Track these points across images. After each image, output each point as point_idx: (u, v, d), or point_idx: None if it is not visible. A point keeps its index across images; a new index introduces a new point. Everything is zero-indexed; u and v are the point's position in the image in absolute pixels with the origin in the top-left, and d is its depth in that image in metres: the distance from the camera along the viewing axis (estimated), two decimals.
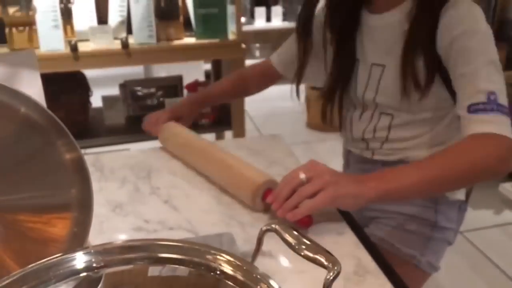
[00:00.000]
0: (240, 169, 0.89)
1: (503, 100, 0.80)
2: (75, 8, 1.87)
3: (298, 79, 1.07)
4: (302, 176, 0.76)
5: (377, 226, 1.05)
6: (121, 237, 0.79)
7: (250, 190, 0.83)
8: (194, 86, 2.14)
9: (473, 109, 0.79)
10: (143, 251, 0.41)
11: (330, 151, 2.92)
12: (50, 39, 1.77)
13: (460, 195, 1.04)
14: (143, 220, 0.83)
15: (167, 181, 0.97)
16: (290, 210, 0.74)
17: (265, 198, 0.82)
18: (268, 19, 4.15)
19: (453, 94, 0.89)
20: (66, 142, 0.52)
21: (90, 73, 2.14)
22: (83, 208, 0.55)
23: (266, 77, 1.22)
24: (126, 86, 2.16)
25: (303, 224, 0.77)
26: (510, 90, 2.52)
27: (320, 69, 1.08)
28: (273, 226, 0.50)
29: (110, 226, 0.81)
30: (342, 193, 0.74)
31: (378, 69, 0.96)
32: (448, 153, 0.79)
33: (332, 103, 1.06)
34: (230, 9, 1.98)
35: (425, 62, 0.89)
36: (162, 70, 3.31)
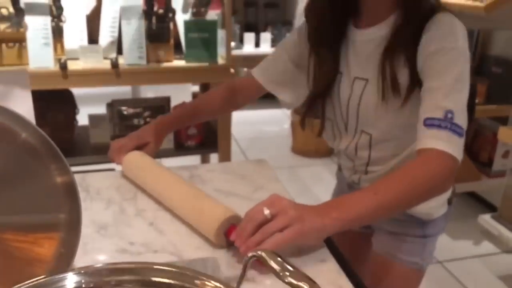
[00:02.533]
0: (203, 204, 0.87)
1: (459, 120, 0.82)
2: (66, 27, 1.89)
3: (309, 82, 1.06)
4: (267, 212, 0.75)
5: (379, 239, 1.10)
6: (105, 259, 0.79)
7: (213, 227, 0.81)
8: None
9: (428, 123, 0.82)
10: (134, 274, 0.41)
11: (315, 177, 2.94)
12: (40, 56, 1.78)
13: (443, 210, 1.07)
14: (127, 242, 0.83)
15: (153, 203, 0.97)
16: (254, 247, 0.72)
17: (229, 234, 0.79)
18: (257, 44, 4.22)
19: None
20: (60, 166, 0.53)
21: (77, 90, 2.14)
22: (71, 229, 0.56)
23: (247, 93, 1.19)
24: (113, 105, 2.16)
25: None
26: (491, 123, 2.58)
27: (302, 83, 1.08)
28: (259, 253, 0.51)
29: (94, 247, 0.81)
30: (307, 228, 0.74)
31: (361, 82, 0.97)
32: (402, 175, 0.82)
33: (313, 110, 1.06)
34: (220, 33, 2.02)
35: (408, 71, 0.90)
36: (149, 91, 3.32)
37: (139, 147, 1.09)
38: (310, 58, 1.04)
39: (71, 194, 0.55)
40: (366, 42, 0.97)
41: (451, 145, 0.80)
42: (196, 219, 0.86)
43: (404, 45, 0.90)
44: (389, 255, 1.09)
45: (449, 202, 1.09)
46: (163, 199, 0.95)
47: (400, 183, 0.80)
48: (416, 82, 0.90)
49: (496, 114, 2.28)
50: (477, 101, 2.26)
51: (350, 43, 1.00)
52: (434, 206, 1.05)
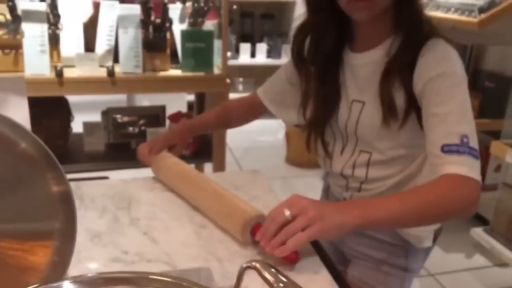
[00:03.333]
0: (231, 204, 0.91)
1: (473, 143, 0.83)
2: (63, 34, 1.89)
3: (304, 112, 1.08)
4: (287, 213, 0.77)
5: (357, 268, 1.07)
6: (99, 268, 0.79)
7: (240, 225, 0.85)
8: (177, 117, 2.16)
9: (446, 149, 0.83)
10: (130, 283, 0.41)
11: (308, 187, 2.95)
12: (35, 63, 1.78)
13: (428, 242, 1.07)
14: (121, 251, 0.83)
15: (147, 212, 0.98)
16: (278, 247, 0.76)
17: (254, 233, 0.84)
18: (253, 55, 4.24)
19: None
20: (56, 175, 0.53)
21: (72, 98, 2.14)
22: (66, 238, 0.56)
23: (252, 111, 1.25)
24: (108, 113, 2.16)
25: (291, 260, 0.79)
26: (484, 137, 2.60)
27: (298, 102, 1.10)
28: (253, 264, 0.52)
29: (87, 256, 0.81)
30: (327, 226, 0.76)
31: (359, 105, 0.99)
32: (427, 191, 0.83)
33: (317, 133, 1.08)
34: (217, 43, 2.03)
35: (405, 96, 0.92)
36: (144, 99, 3.33)
37: (166, 149, 1.16)
38: (308, 82, 1.05)
39: (66, 203, 0.55)
40: (363, 65, 0.98)
41: (472, 169, 0.81)
42: (224, 217, 0.91)
43: (400, 70, 0.92)
44: (366, 286, 1.05)
45: (435, 238, 1.08)
46: (192, 198, 1.00)
47: (426, 196, 0.81)
48: (412, 106, 0.92)
49: (489, 128, 2.30)
50: None
51: (346, 66, 1.02)
52: (425, 230, 1.04)
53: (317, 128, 1.07)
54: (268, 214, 0.81)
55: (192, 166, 2.42)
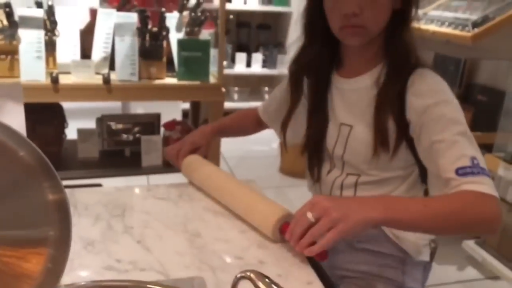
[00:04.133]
0: (260, 203, 0.97)
1: (483, 164, 0.85)
2: (59, 41, 1.89)
3: (283, 129, 1.12)
4: (310, 215, 0.79)
5: (348, 286, 1.05)
6: (92, 276, 0.79)
7: (270, 224, 0.90)
8: (172, 125, 2.16)
9: (461, 172, 0.84)
10: None
11: (302, 197, 2.94)
12: (31, 69, 1.78)
13: (425, 256, 1.07)
14: (114, 259, 0.83)
15: (141, 220, 0.97)
16: (306, 247, 0.80)
17: (282, 231, 0.89)
18: (248, 64, 4.26)
19: (416, 156, 0.95)
20: (53, 184, 0.54)
21: (67, 104, 2.14)
22: (60, 245, 0.56)
23: (258, 124, 1.30)
24: (103, 120, 2.16)
25: (321, 258, 0.82)
26: None
27: (300, 122, 1.12)
28: (248, 273, 0.52)
29: (81, 264, 0.80)
30: (352, 225, 0.77)
31: (347, 128, 1.01)
32: (452, 198, 0.84)
33: (318, 158, 1.10)
34: (213, 52, 2.04)
35: (395, 125, 0.94)
36: (139, 107, 3.33)
37: (192, 152, 1.20)
38: (295, 104, 1.08)
39: (62, 211, 0.55)
40: (351, 91, 1.01)
41: (490, 187, 0.83)
42: (254, 216, 0.96)
43: (391, 102, 0.94)
44: None
45: (432, 255, 1.08)
46: (223, 197, 1.05)
47: (450, 204, 0.82)
48: (402, 134, 0.94)
49: (481, 141, 2.30)
50: None
51: (335, 89, 1.04)
52: (421, 238, 1.04)
53: (313, 147, 1.09)
54: (293, 217, 0.84)
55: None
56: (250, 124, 1.31)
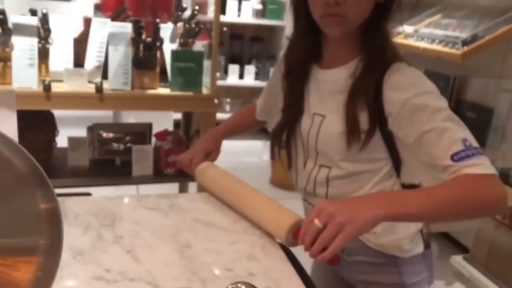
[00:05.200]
0: (275, 209, 1.02)
1: (474, 143, 0.86)
2: (53, 49, 1.89)
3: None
4: (317, 222, 0.81)
5: None
6: (81, 285, 0.78)
7: (284, 228, 0.94)
8: (163, 135, 2.16)
9: (457, 158, 0.85)
10: None
11: (293, 209, 2.95)
12: (23, 76, 1.77)
13: (419, 248, 1.06)
14: (104, 269, 0.83)
15: (131, 230, 0.97)
16: (318, 254, 0.80)
17: (296, 236, 0.92)
18: (241, 76, 4.28)
19: (390, 149, 0.96)
20: (46, 193, 0.53)
21: (58, 112, 2.12)
22: (51, 254, 0.56)
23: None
24: (94, 129, 2.15)
25: (333, 263, 0.84)
26: None
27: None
28: (239, 285, 0.52)
29: (70, 273, 0.80)
30: (358, 227, 0.78)
31: (319, 118, 1.01)
32: (455, 186, 0.84)
33: (279, 143, 1.11)
34: (206, 64, 2.05)
35: (368, 117, 0.94)
36: (130, 116, 3.32)
37: (205, 159, 1.24)
38: (280, 91, 1.10)
39: (54, 220, 0.55)
40: (327, 82, 1.01)
41: (486, 166, 0.84)
42: (269, 221, 1.00)
43: (365, 92, 0.94)
44: None
45: (426, 244, 1.07)
46: (238, 203, 1.09)
47: (453, 190, 0.83)
48: (374, 127, 0.94)
49: None
50: None
51: (312, 80, 1.05)
52: (402, 238, 1.03)
53: (278, 136, 1.10)
54: (302, 224, 0.85)
55: (176, 185, 2.42)
56: (254, 120, 1.33)
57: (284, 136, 1.09)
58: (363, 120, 0.95)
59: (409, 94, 0.90)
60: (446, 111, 0.89)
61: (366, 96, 0.94)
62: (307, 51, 1.04)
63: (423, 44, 2.48)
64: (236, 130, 1.35)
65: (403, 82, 0.92)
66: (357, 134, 0.95)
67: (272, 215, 1.01)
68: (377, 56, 0.95)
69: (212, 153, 1.25)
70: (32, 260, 0.57)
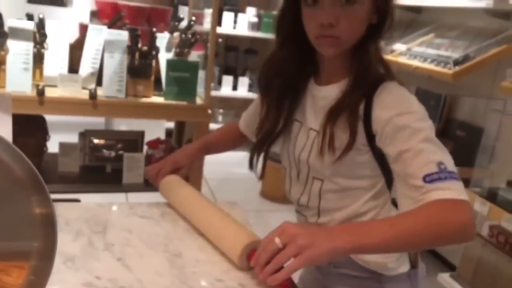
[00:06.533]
0: (229, 229, 0.96)
1: (451, 167, 0.86)
2: (48, 54, 1.89)
3: (257, 136, 1.12)
4: (278, 241, 0.79)
5: None
6: None
7: (238, 251, 0.89)
8: (155, 143, 2.16)
9: (429, 179, 0.84)
10: None
11: (281, 222, 2.95)
12: (17, 80, 1.77)
13: (404, 267, 1.06)
14: (94, 276, 0.82)
15: (122, 238, 0.97)
16: (270, 275, 0.78)
17: (250, 258, 0.87)
18: (235, 87, 4.30)
19: (382, 167, 0.97)
20: (41, 198, 0.54)
21: (50, 117, 2.12)
22: (44, 258, 0.55)
23: (242, 135, 1.29)
24: (86, 135, 2.15)
25: (284, 287, 0.81)
26: None
27: None
28: None
29: (59, 279, 0.79)
30: (317, 254, 0.77)
31: (313, 133, 1.03)
32: (418, 214, 0.83)
33: (259, 154, 1.11)
34: (200, 74, 2.06)
35: (349, 133, 0.95)
36: (123, 123, 3.31)
37: (173, 172, 1.20)
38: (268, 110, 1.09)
39: (48, 225, 0.55)
40: (321, 98, 1.03)
41: (458, 191, 0.83)
42: (222, 242, 0.95)
43: (348, 109, 0.96)
44: None
45: (413, 264, 1.07)
46: (194, 221, 1.05)
47: (416, 218, 0.82)
48: (351, 146, 0.95)
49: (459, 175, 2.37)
50: None
51: (309, 96, 1.06)
52: (387, 256, 1.03)
53: (262, 147, 1.10)
54: (260, 243, 0.83)
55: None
56: (235, 138, 1.31)
57: (265, 147, 1.10)
58: (343, 137, 0.96)
59: (392, 113, 0.91)
60: (426, 133, 0.89)
61: (349, 115, 0.95)
62: (302, 68, 1.05)
63: (415, 63, 2.52)
64: (213, 148, 1.32)
65: (389, 100, 0.93)
66: (331, 146, 0.96)
67: (227, 235, 0.95)
68: (362, 75, 0.96)
69: (183, 169, 1.22)
70: (24, 265, 0.57)
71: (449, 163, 0.86)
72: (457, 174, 0.86)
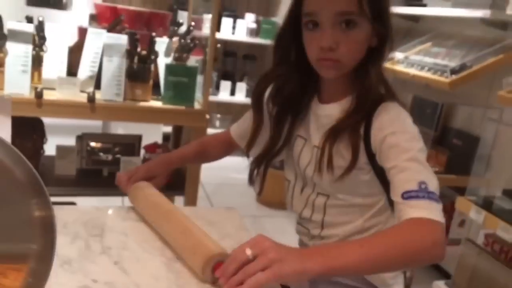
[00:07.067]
0: (195, 240, 0.91)
1: (432, 188, 0.86)
2: (47, 56, 1.89)
3: (248, 149, 1.14)
4: (249, 252, 0.77)
5: None
6: None
7: (201, 262, 0.85)
8: (153, 147, 2.16)
9: (406, 196, 0.85)
10: None
11: (278, 228, 2.95)
12: (16, 82, 1.77)
13: (398, 286, 1.08)
14: (90, 279, 0.82)
15: (119, 241, 0.97)
16: (235, 286, 0.75)
17: (215, 270, 0.83)
18: (233, 93, 4.30)
19: (384, 184, 0.98)
20: (41, 201, 0.54)
21: (47, 119, 2.11)
22: (43, 260, 0.56)
23: (226, 146, 1.29)
24: (83, 138, 2.15)
25: None
26: (449, 192, 2.66)
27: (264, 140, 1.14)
28: None
29: (57, 282, 0.79)
30: (286, 271, 0.75)
31: (318, 151, 1.04)
32: (389, 234, 0.84)
33: (259, 169, 1.13)
34: (199, 79, 2.07)
35: (351, 153, 0.97)
36: (120, 127, 3.31)
37: (146, 179, 1.16)
38: (260, 125, 1.11)
39: (47, 228, 0.55)
40: (324, 116, 1.05)
41: (433, 212, 0.83)
42: (187, 253, 0.91)
43: (350, 129, 0.97)
44: None
45: (407, 282, 1.08)
46: (161, 230, 1.00)
47: (387, 239, 0.82)
48: (354, 165, 0.96)
49: (455, 184, 2.38)
50: (437, 169, 2.36)
51: (313, 114, 1.08)
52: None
53: (260, 162, 1.12)
54: (231, 253, 0.81)
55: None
56: (219, 149, 1.30)
57: (265, 162, 1.11)
58: (344, 157, 0.98)
59: (387, 131, 0.93)
60: (413, 153, 0.90)
61: (350, 135, 0.97)
62: (302, 87, 1.06)
63: (412, 71, 2.54)
64: (191, 160, 1.30)
65: (385, 120, 0.95)
66: (329, 169, 0.97)
67: (194, 245, 0.90)
68: (363, 97, 0.98)
69: (156, 178, 1.18)
70: (22, 268, 0.57)
71: (432, 185, 0.86)
72: (437, 196, 0.86)
